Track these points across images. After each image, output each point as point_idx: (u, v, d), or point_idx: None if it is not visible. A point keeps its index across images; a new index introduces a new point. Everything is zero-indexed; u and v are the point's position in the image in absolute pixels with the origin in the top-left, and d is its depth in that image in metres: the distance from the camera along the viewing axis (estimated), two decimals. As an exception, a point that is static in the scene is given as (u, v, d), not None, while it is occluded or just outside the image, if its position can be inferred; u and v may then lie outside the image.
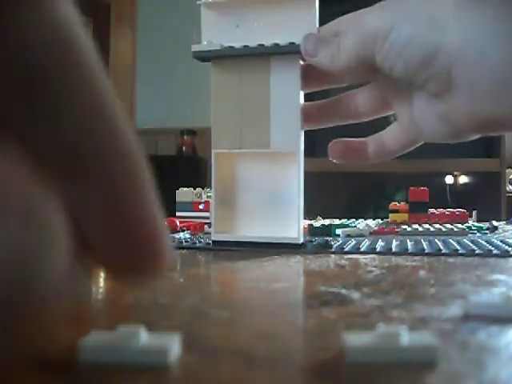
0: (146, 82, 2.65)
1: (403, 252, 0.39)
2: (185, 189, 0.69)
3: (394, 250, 0.40)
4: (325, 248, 0.41)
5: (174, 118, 2.54)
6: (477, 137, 0.30)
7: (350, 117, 0.37)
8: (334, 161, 0.37)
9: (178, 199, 0.68)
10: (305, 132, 0.41)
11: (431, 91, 0.28)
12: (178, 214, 0.67)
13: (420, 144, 0.34)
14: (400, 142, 0.35)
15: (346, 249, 0.41)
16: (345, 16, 0.32)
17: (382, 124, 0.36)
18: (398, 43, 0.28)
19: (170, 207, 0.69)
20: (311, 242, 0.42)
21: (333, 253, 0.40)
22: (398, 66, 0.28)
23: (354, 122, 0.37)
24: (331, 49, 0.32)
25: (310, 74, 0.37)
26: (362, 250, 0.40)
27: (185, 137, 2.45)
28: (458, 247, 0.40)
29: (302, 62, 0.38)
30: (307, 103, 0.39)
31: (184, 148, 2.45)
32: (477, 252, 0.38)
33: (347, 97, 0.36)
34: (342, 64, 0.32)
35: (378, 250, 0.40)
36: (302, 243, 0.40)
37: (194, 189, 0.68)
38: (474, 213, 0.74)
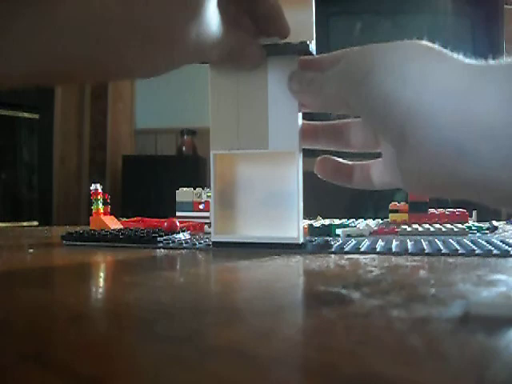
0: (146, 81, 2.65)
1: (403, 252, 0.39)
2: (185, 189, 0.69)
3: (394, 249, 0.40)
4: (325, 248, 0.41)
5: (174, 118, 2.54)
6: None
7: (341, 145, 0.38)
8: (319, 176, 0.38)
9: (178, 199, 0.68)
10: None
11: (390, 144, 0.28)
12: (178, 214, 0.67)
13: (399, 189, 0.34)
14: (382, 179, 0.35)
15: (346, 249, 0.41)
16: (343, 50, 0.33)
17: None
18: (364, 91, 0.28)
19: (170, 207, 0.69)
20: (311, 242, 0.42)
21: (333, 253, 0.40)
22: (364, 113, 0.29)
23: (345, 151, 0.37)
24: (313, 89, 0.34)
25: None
26: (362, 250, 0.40)
27: (185, 137, 2.45)
28: (458, 247, 0.40)
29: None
30: (304, 122, 0.40)
31: (184, 148, 2.45)
32: (477, 252, 0.38)
33: (342, 125, 0.37)
34: (322, 103, 0.34)
35: (378, 249, 0.40)
36: (302, 243, 0.40)
37: (194, 189, 0.68)
38: (474, 213, 0.74)
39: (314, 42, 0.39)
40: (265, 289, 0.27)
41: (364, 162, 0.36)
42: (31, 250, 0.45)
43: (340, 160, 0.37)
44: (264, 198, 0.41)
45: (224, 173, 0.42)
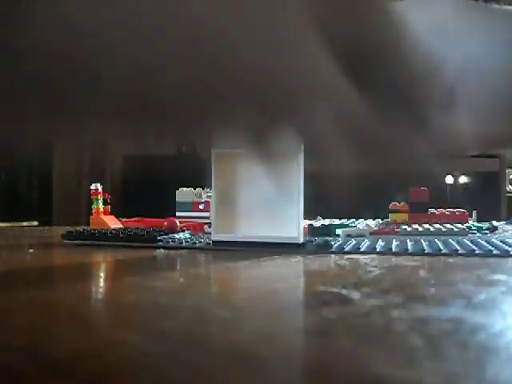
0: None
1: (403, 252, 0.39)
2: (185, 189, 0.68)
3: (394, 250, 0.40)
4: (325, 248, 0.41)
5: (174, 118, 2.54)
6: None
7: None
8: None
9: (177, 199, 0.68)
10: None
11: (435, 105, 0.28)
12: (178, 214, 0.67)
13: None
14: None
15: (347, 249, 0.41)
16: None
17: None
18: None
19: (170, 207, 0.69)
20: (311, 241, 0.42)
21: (333, 253, 0.40)
22: (405, 75, 0.28)
23: None
24: None
25: None
26: (362, 250, 0.40)
27: (185, 137, 2.45)
28: (458, 247, 0.40)
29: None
30: None
31: (184, 148, 2.45)
32: (477, 252, 0.38)
33: None
34: None
35: (378, 249, 0.40)
36: (303, 243, 0.40)
37: (194, 189, 0.68)
38: (474, 213, 0.74)
39: None
40: (265, 289, 0.27)
41: None
42: (31, 250, 0.45)
43: None
44: (265, 197, 0.41)
45: (225, 172, 0.42)
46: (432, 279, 0.29)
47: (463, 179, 1.85)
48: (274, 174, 0.40)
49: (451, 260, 0.36)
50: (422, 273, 0.31)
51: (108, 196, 0.62)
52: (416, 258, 0.37)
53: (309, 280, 0.30)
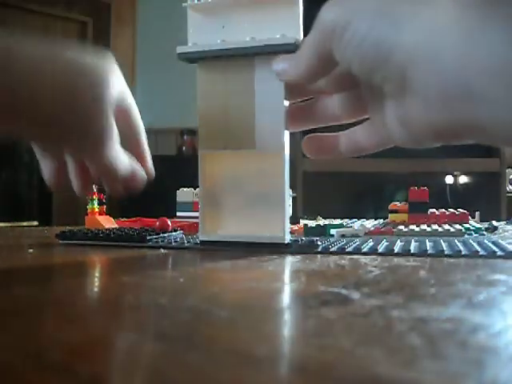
0: (146, 81, 2.65)
1: (390, 253, 0.38)
2: (185, 189, 0.68)
3: (380, 250, 0.39)
4: (310, 248, 0.41)
5: (174, 118, 2.54)
6: (439, 144, 0.29)
7: (328, 119, 0.36)
8: (309, 156, 0.37)
9: (178, 199, 0.68)
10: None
11: (388, 93, 0.27)
12: (178, 213, 0.67)
13: (392, 146, 0.33)
14: (373, 141, 0.34)
15: (333, 249, 0.40)
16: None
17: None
18: (354, 39, 0.27)
19: (170, 207, 0.69)
20: (297, 241, 0.42)
21: (318, 253, 0.39)
22: (355, 63, 0.28)
23: (334, 124, 0.37)
24: (294, 56, 0.32)
25: (290, 86, 0.37)
26: (348, 250, 0.40)
27: (185, 137, 2.45)
28: (445, 248, 0.39)
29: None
30: (292, 105, 0.39)
31: (184, 148, 2.45)
32: (463, 253, 0.37)
33: (325, 99, 0.36)
34: (304, 66, 0.31)
35: (364, 250, 0.39)
36: (288, 243, 0.40)
37: (194, 189, 0.68)
38: (477, 214, 0.73)
39: (301, 40, 0.38)
40: (264, 289, 0.27)
41: (348, 130, 0.35)
42: (31, 250, 0.45)
43: (323, 134, 0.36)
44: (252, 197, 0.41)
45: (212, 172, 0.42)
46: (432, 279, 0.29)
47: (463, 179, 1.86)
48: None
49: (451, 260, 0.35)
50: (422, 273, 0.31)
51: (103, 196, 0.62)
52: (416, 258, 0.37)
53: (309, 280, 0.30)
